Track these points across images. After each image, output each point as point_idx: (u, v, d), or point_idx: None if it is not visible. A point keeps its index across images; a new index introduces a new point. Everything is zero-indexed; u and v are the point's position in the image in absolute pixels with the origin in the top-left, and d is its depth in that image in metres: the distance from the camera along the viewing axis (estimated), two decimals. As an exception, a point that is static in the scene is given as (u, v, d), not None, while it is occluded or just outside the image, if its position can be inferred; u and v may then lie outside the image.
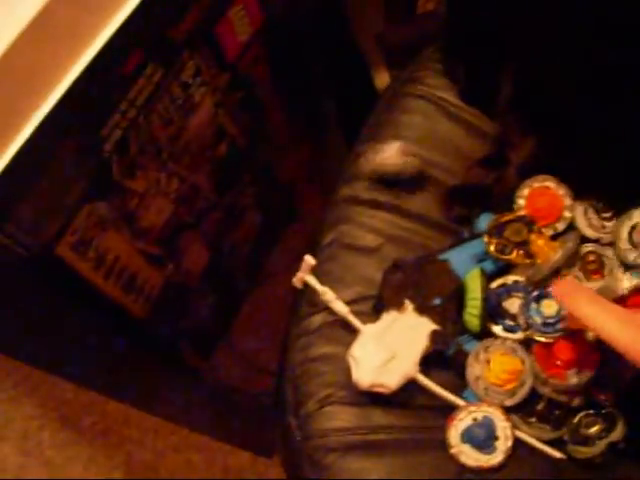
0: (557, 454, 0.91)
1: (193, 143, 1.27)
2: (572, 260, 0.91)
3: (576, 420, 0.91)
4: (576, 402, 0.91)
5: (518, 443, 0.90)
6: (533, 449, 0.91)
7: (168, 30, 1.13)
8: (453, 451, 0.89)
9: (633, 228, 0.92)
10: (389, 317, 0.92)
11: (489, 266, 0.96)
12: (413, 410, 0.93)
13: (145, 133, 1.16)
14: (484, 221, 0.98)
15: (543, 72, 0.96)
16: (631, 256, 0.90)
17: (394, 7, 1.45)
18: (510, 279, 0.96)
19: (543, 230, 0.96)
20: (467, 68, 1.03)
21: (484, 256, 0.96)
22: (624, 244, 0.91)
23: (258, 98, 1.40)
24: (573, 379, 0.88)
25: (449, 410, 0.91)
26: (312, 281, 0.95)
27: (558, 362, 0.89)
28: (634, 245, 0.91)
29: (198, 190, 1.34)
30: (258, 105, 1.41)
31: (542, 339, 0.90)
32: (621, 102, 0.91)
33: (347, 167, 1.08)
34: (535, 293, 0.92)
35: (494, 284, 0.96)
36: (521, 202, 0.98)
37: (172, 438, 1.59)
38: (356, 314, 0.95)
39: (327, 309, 0.97)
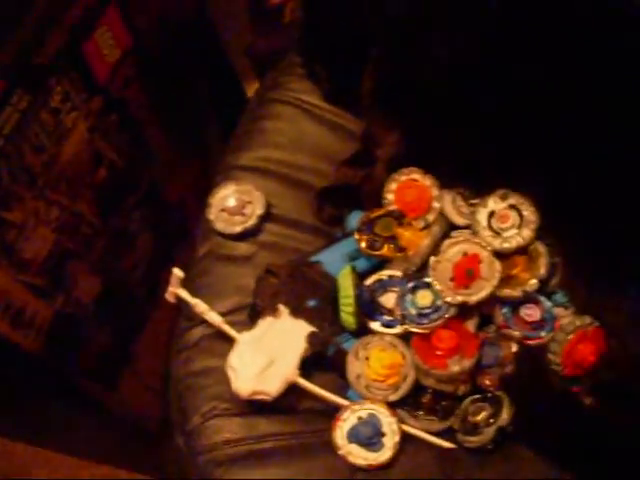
0: (447, 444, 0.91)
1: (69, 169, 1.26)
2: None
3: (463, 407, 0.91)
4: (461, 390, 0.91)
5: (407, 437, 0.90)
6: (423, 442, 0.90)
7: (31, 55, 1.11)
8: (341, 452, 0.88)
9: (491, 215, 0.92)
10: (265, 323, 0.92)
11: (363, 263, 0.96)
12: (299, 415, 0.92)
13: (16, 162, 1.14)
14: (355, 219, 0.98)
15: (403, 65, 0.96)
16: (495, 242, 0.91)
17: (261, 18, 1.45)
18: (385, 274, 0.96)
19: (414, 223, 0.97)
20: (327, 69, 1.03)
21: (357, 254, 0.96)
22: (485, 231, 0.92)
23: (135, 119, 1.39)
24: (455, 367, 0.88)
25: (335, 412, 0.90)
26: (183, 294, 0.94)
27: (438, 352, 0.89)
28: (495, 232, 0.91)
29: (81, 217, 1.32)
30: (135, 127, 1.40)
31: (418, 330, 0.89)
32: (480, 88, 0.92)
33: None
34: (410, 285, 0.92)
35: (369, 281, 0.95)
36: (390, 197, 0.98)
37: (82, 473, 1.55)
38: (235, 324, 0.94)
39: (205, 322, 0.95)
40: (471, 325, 0.92)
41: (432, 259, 0.90)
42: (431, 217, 0.97)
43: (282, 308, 0.92)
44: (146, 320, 1.55)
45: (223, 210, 1.03)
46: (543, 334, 0.92)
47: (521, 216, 0.92)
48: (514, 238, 0.91)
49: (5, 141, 1.11)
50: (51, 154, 1.22)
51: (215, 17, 1.46)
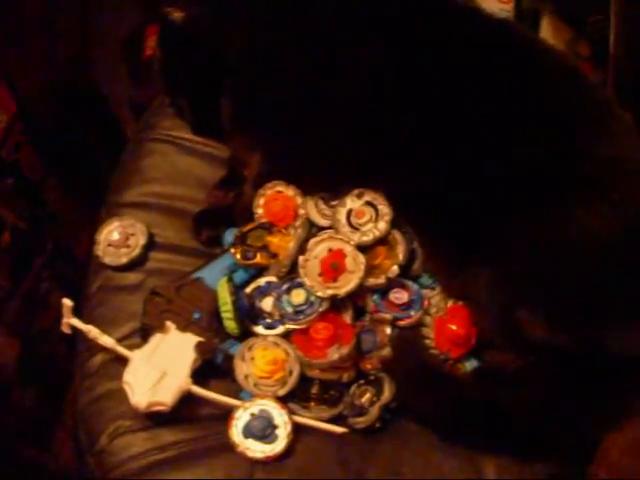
0: (339, 429, 0.97)
1: (-27, 237, 1.30)
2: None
3: (351, 393, 0.97)
4: (346, 377, 0.98)
5: (302, 428, 0.96)
6: (317, 430, 0.96)
7: None
8: (239, 449, 0.93)
9: (349, 213, 1.01)
10: (155, 340, 0.98)
11: (242, 275, 1.04)
12: (199, 421, 0.98)
13: None
14: (230, 236, 1.05)
15: (253, 90, 1.05)
16: (355, 237, 0.99)
17: (137, 70, 1.53)
18: (262, 281, 1.03)
19: (284, 231, 1.04)
20: (189, 103, 1.11)
21: (235, 267, 1.03)
22: (345, 228, 1.00)
23: (31, 182, 1.44)
24: (334, 355, 0.95)
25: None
26: (76, 323, 1.00)
27: (317, 343, 0.96)
28: (354, 227, 1.00)
29: (-9, 282, 1.35)
30: (33, 189, 1.45)
31: (296, 326, 0.97)
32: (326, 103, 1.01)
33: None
34: (285, 286, 0.99)
35: (249, 289, 1.02)
36: (259, 211, 1.06)
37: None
38: (132, 347, 1.00)
39: (103, 349, 1.01)
40: (347, 316, 0.99)
41: (301, 258, 0.98)
42: (299, 223, 1.05)
43: (169, 324, 0.98)
44: (72, 375, 1.58)
45: (109, 245, 1.09)
46: (412, 313, 1.00)
47: (376, 211, 1.00)
48: (371, 231, 1.00)
49: None
50: (-49, 222, 1.27)
51: (97, 75, 1.53)
